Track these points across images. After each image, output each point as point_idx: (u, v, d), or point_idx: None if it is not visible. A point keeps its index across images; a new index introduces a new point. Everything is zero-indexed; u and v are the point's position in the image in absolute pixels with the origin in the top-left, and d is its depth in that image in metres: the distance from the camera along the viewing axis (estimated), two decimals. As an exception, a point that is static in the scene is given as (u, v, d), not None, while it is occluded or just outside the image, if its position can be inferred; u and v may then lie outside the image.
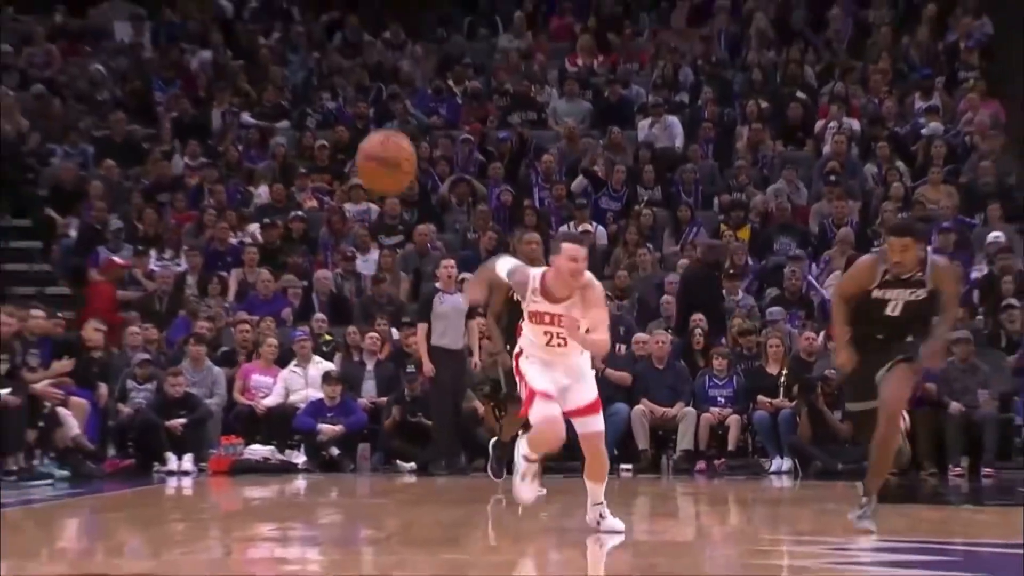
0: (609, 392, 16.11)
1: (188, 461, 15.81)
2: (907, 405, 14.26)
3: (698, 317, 17.21)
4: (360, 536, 10.80)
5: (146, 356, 16.78)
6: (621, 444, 16.17)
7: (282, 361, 16.85)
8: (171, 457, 15.84)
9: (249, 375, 16.78)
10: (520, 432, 9.87)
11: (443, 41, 23.86)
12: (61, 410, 15.23)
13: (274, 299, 18.19)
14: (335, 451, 16.21)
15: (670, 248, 19.14)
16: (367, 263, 18.82)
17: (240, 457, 15.96)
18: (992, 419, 15.71)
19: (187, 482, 15.32)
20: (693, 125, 21.15)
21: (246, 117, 21.99)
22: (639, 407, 16.18)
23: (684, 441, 16.19)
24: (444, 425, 15.87)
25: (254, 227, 19.54)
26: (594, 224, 19.07)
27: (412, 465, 15.93)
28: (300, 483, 15.27)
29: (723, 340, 17.00)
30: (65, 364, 15.50)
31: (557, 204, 19.68)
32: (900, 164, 19.73)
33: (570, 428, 9.36)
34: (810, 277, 18.07)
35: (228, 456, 15.94)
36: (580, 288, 9.00)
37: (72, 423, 15.30)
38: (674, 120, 21.17)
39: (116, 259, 18.91)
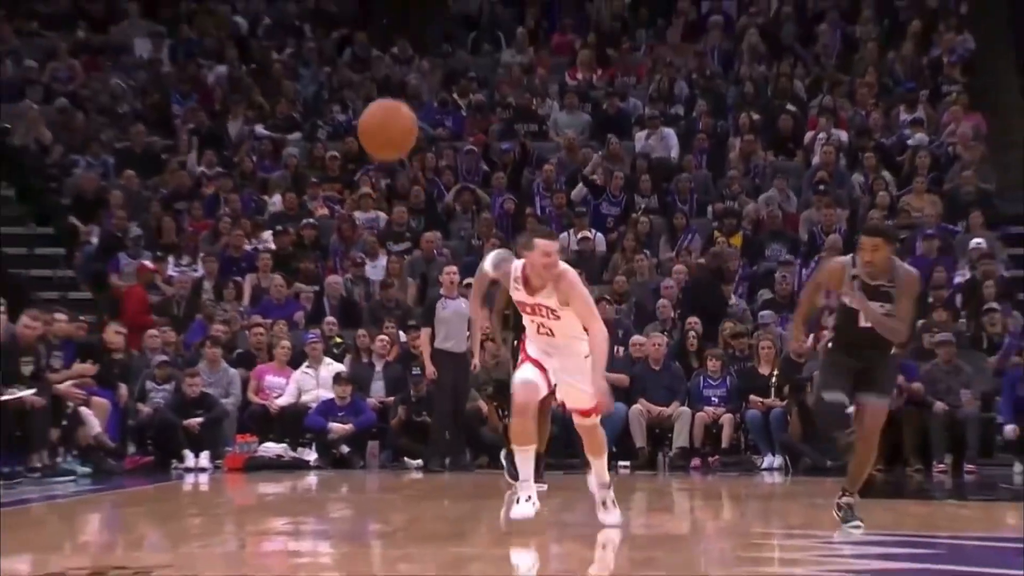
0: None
1: (205, 458, 15.82)
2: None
3: (693, 320, 17.26)
4: (369, 530, 10.80)
5: (165, 358, 16.79)
6: (619, 442, 16.17)
7: (295, 363, 16.86)
8: (188, 454, 15.85)
9: (263, 376, 16.78)
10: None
11: (448, 56, 23.86)
12: (83, 409, 15.23)
13: (287, 303, 18.19)
14: (345, 449, 16.21)
15: (666, 254, 19.13)
16: (376, 269, 18.83)
17: (254, 454, 15.96)
18: (974, 418, 15.73)
19: (204, 478, 15.32)
20: (688, 136, 21.14)
21: (260, 129, 21.99)
22: (636, 406, 16.19)
23: (680, 439, 16.20)
24: (443, 425, 15.88)
25: (268, 234, 19.54)
26: (593, 231, 19.07)
27: (419, 462, 15.93)
28: (312, 479, 15.27)
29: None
30: (87, 367, 15.51)
31: (558, 212, 19.67)
32: (886, 174, 19.72)
33: (572, 429, 9.46)
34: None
35: (243, 453, 15.94)
36: (554, 280, 8.94)
37: (94, 422, 15.29)
38: (670, 132, 21.17)
39: (147, 263, 18.93)
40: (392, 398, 16.61)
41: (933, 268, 17.77)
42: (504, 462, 11.81)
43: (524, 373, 9.18)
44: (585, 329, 9.03)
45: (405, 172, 20.72)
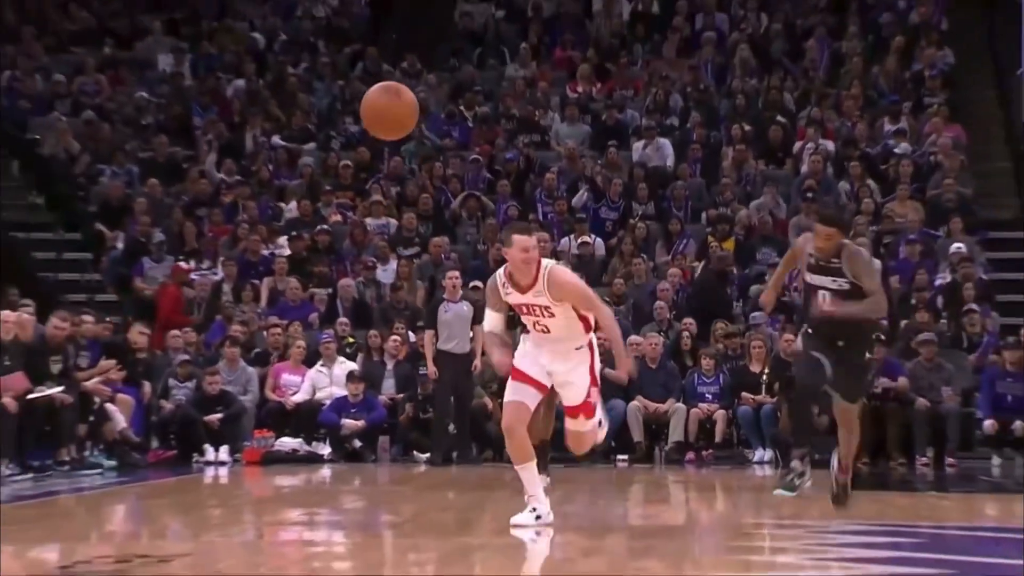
0: (607, 390, 16.10)
1: (224, 452, 15.83)
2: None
3: (688, 321, 17.30)
4: (380, 521, 10.80)
5: (186, 357, 16.80)
6: (617, 437, 16.19)
7: (309, 361, 16.86)
8: (209, 449, 15.86)
9: (279, 374, 16.79)
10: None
11: (455, 70, 23.86)
12: (109, 406, 15.26)
13: (302, 305, 18.20)
14: (357, 443, 16.21)
15: (662, 258, 19.14)
16: (386, 272, 18.83)
17: (271, 449, 15.97)
18: (955, 413, 15.73)
19: (223, 471, 15.33)
20: (683, 146, 21.14)
21: (276, 139, 22.00)
22: (634, 403, 16.20)
23: (675, 434, 16.20)
24: (445, 421, 15.92)
25: (283, 239, 19.55)
26: (593, 236, 19.07)
27: (427, 456, 15.93)
28: (325, 472, 15.27)
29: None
30: (110, 363, 15.52)
31: (559, 218, 19.67)
32: (871, 182, 19.71)
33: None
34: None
35: (260, 448, 15.95)
36: (545, 281, 8.68)
37: (119, 418, 15.32)
38: (665, 142, 21.17)
39: (182, 264, 18.94)
40: (402, 395, 16.62)
41: (916, 271, 17.80)
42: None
43: (509, 394, 8.94)
44: (583, 321, 8.84)
45: (414, 180, 20.74)
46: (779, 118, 21.29)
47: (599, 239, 19.25)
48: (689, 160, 20.86)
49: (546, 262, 8.81)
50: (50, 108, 22.81)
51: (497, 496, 11.56)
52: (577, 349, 8.91)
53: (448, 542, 8.72)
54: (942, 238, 18.75)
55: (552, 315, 8.75)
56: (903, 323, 16.93)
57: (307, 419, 16.36)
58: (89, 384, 15.06)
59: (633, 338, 16.78)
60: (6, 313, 14.63)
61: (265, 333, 17.52)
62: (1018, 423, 15.61)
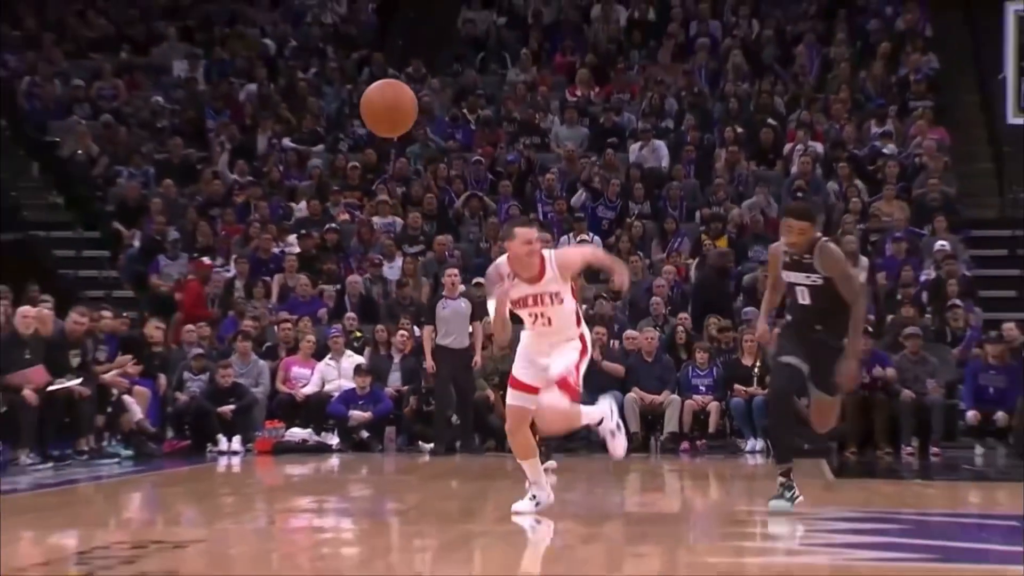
0: (604, 382, 16.16)
1: (236, 442, 15.84)
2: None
3: (683, 316, 17.31)
4: (386, 508, 10.80)
5: (200, 351, 16.81)
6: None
7: (319, 355, 16.87)
8: (222, 439, 15.86)
9: (289, 367, 16.79)
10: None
11: (458, 75, 23.84)
12: (126, 398, 15.28)
13: (311, 301, 18.20)
14: (364, 434, 16.21)
15: (658, 256, 19.12)
16: (392, 269, 18.82)
17: (282, 439, 15.97)
18: (939, 405, 15.72)
19: (236, 461, 15.34)
20: (677, 148, 21.13)
21: (287, 142, 21.99)
22: (631, 395, 16.19)
23: (670, 424, 16.20)
24: (444, 414, 15.92)
25: (293, 238, 19.54)
26: (591, 234, 19.06)
27: (431, 446, 15.93)
28: (334, 462, 15.28)
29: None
30: (126, 359, 15.53)
31: (559, 217, 19.66)
32: (858, 182, 19.70)
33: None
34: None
35: (271, 438, 15.95)
36: (553, 265, 8.59)
37: (136, 409, 15.34)
38: (661, 144, 21.16)
39: (205, 260, 18.94)
40: (407, 388, 16.62)
41: (901, 268, 17.80)
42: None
43: (510, 399, 8.93)
44: (576, 314, 8.79)
45: (419, 181, 20.74)
46: (770, 121, 21.28)
47: (597, 237, 19.23)
48: (684, 161, 20.85)
49: (547, 252, 8.72)
50: (69, 111, 22.82)
51: (499, 485, 11.56)
52: (569, 340, 8.78)
53: (451, 529, 8.72)
54: (927, 236, 18.74)
55: (561, 301, 8.63)
56: (889, 318, 16.93)
57: (316, 410, 16.37)
58: (107, 377, 15.08)
59: (630, 332, 16.81)
60: (26, 308, 14.65)
61: (276, 328, 17.52)
62: (1000, 414, 15.60)
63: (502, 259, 8.74)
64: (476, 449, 15.97)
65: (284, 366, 16.79)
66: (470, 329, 15.71)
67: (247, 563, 7.76)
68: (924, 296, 17.65)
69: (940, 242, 18.26)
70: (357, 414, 16.18)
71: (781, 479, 9.10)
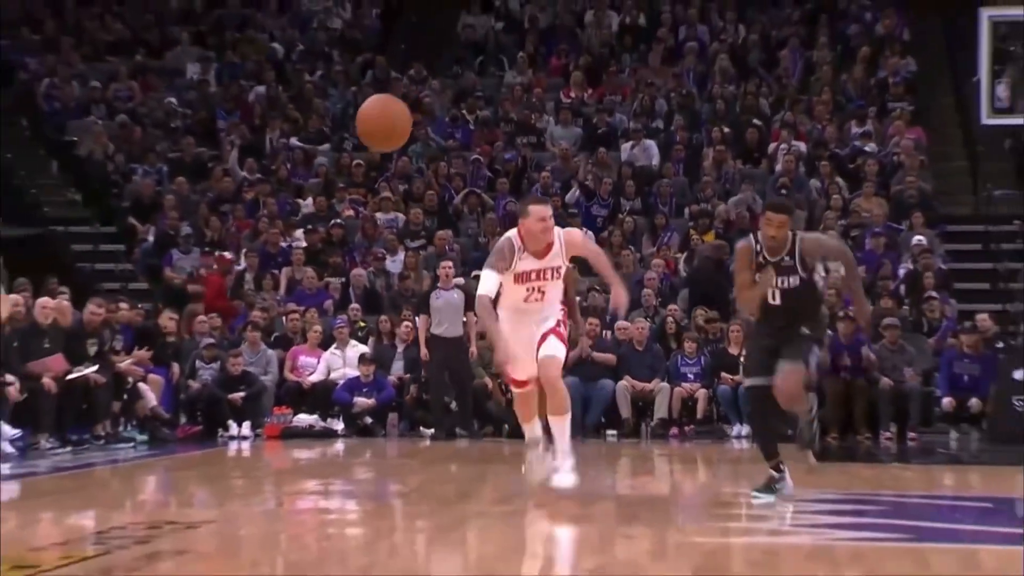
0: (597, 370, 16.19)
1: (246, 428, 15.82)
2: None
3: (672, 307, 17.30)
4: (389, 491, 10.81)
5: (211, 340, 16.80)
6: (607, 413, 16.22)
7: (325, 344, 16.86)
8: (232, 424, 15.84)
9: (297, 356, 16.78)
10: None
11: (458, 77, 23.83)
12: (141, 385, 15.27)
13: (318, 293, 18.19)
14: (368, 420, 16.20)
15: (648, 250, 19.12)
16: (395, 263, 18.82)
17: (289, 425, 15.96)
18: (916, 392, 15.74)
19: (246, 445, 15.34)
20: (667, 147, 21.12)
21: (294, 141, 21.98)
22: (622, 383, 16.19)
23: (660, 411, 16.19)
24: (439, 400, 15.88)
25: (300, 233, 19.54)
26: (585, 229, 19.03)
27: (432, 431, 15.92)
28: (339, 446, 15.29)
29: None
30: (143, 354, 15.55)
31: (553, 213, 19.60)
32: (839, 180, 19.70)
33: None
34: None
35: (280, 424, 15.94)
36: (562, 241, 8.67)
37: (150, 396, 15.34)
38: (651, 143, 21.15)
39: (226, 255, 18.92)
40: (409, 376, 16.62)
41: (880, 262, 17.81)
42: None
43: (519, 390, 8.95)
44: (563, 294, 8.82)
45: (420, 178, 20.73)
46: (755, 121, 21.27)
47: (591, 232, 19.22)
48: (673, 160, 20.84)
49: (557, 228, 8.81)
50: (87, 112, 22.79)
51: (496, 469, 11.58)
52: (551, 316, 8.78)
53: (451, 510, 8.73)
54: (904, 231, 18.75)
55: (558, 276, 8.65)
56: (869, 309, 16.93)
57: (322, 397, 16.36)
58: (123, 365, 15.08)
59: (621, 323, 16.79)
60: (45, 300, 14.64)
61: (284, 318, 17.52)
62: (973, 401, 15.62)
63: (512, 233, 8.70)
64: (475, 434, 15.97)
65: (292, 355, 16.78)
66: (464, 319, 15.69)
67: (256, 543, 7.77)
68: (902, 289, 17.67)
69: (917, 237, 18.27)
70: (361, 401, 16.18)
71: (773, 474, 8.94)
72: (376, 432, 16.19)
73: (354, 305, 17.75)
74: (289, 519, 9.03)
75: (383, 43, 25.09)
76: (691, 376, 16.36)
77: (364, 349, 16.74)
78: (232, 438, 15.68)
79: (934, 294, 17.07)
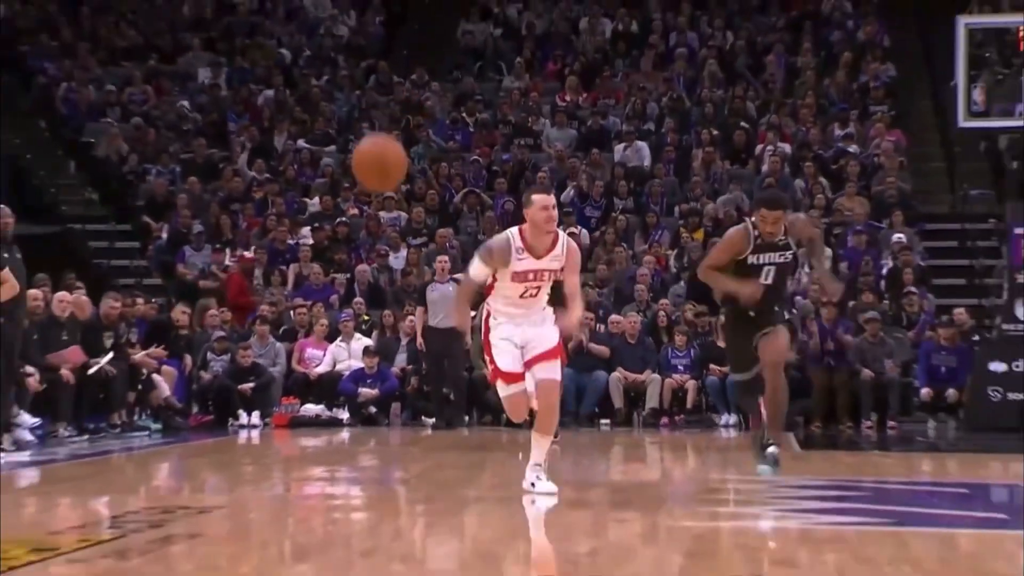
0: (591, 362, 16.19)
1: (256, 417, 15.84)
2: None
3: (663, 302, 17.29)
4: (393, 477, 10.81)
5: (222, 333, 16.80)
6: (601, 404, 16.24)
7: (331, 337, 16.86)
8: (242, 414, 15.86)
9: (304, 348, 16.79)
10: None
11: (458, 82, 23.81)
12: (155, 376, 15.28)
13: (324, 288, 18.19)
14: (372, 409, 16.22)
15: (640, 247, 19.12)
16: (398, 259, 18.81)
17: (297, 414, 15.98)
18: (896, 383, 15.75)
19: (255, 434, 15.35)
20: (658, 149, 21.12)
21: (301, 143, 21.97)
22: (615, 374, 16.21)
23: (651, 401, 16.21)
24: (437, 388, 15.88)
25: (307, 230, 19.54)
26: (579, 227, 19.03)
27: (433, 421, 15.92)
28: (345, 435, 15.29)
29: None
30: (160, 352, 15.56)
31: (551, 211, 19.60)
32: (823, 180, 19.70)
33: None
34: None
35: (287, 413, 15.96)
36: (566, 249, 8.13)
37: (164, 386, 15.34)
38: (643, 144, 21.15)
39: (247, 254, 18.88)
40: (411, 367, 16.62)
41: (862, 258, 17.82)
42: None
43: (504, 391, 8.29)
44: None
45: (422, 179, 20.73)
46: (742, 124, 21.27)
47: (585, 230, 19.23)
48: (664, 161, 20.84)
49: (562, 234, 8.32)
50: (103, 115, 22.78)
51: (495, 456, 11.58)
52: (543, 310, 8.35)
53: (451, 496, 8.73)
54: (885, 229, 18.75)
55: (553, 277, 8.23)
56: (851, 303, 16.94)
57: (328, 388, 16.37)
58: (137, 357, 15.09)
59: (614, 317, 16.81)
60: (63, 294, 14.66)
61: (292, 312, 17.52)
62: (950, 391, 15.64)
63: (514, 231, 8.21)
64: (467, 423, 15.94)
65: (299, 347, 16.79)
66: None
67: (265, 527, 7.78)
68: (882, 284, 17.68)
69: (897, 235, 18.28)
70: (365, 391, 16.19)
71: (772, 450, 8.90)
72: (380, 421, 16.20)
73: (358, 300, 17.76)
74: (297, 504, 9.04)
75: (387, 49, 25.09)
76: (681, 368, 16.37)
77: (368, 342, 16.74)
78: (242, 427, 15.69)
79: (913, 289, 17.07)
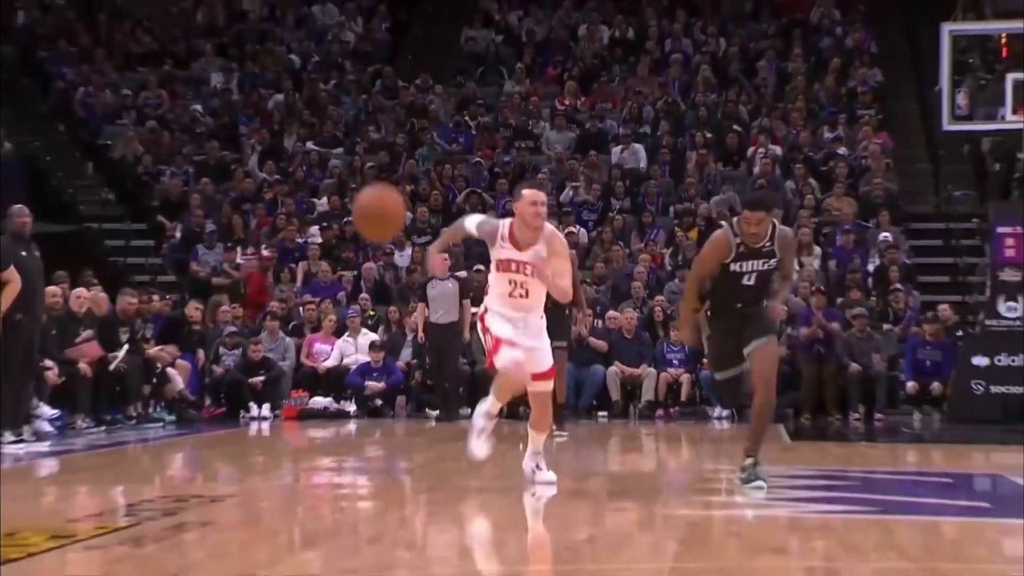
0: (589, 356, 16.18)
1: (266, 409, 15.82)
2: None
3: (659, 299, 17.28)
4: (398, 467, 10.82)
5: (234, 329, 16.79)
6: (598, 396, 16.23)
7: (338, 332, 16.86)
8: (253, 406, 15.84)
9: (313, 343, 16.79)
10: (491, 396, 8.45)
11: (461, 86, 23.80)
12: (169, 370, 15.28)
13: (331, 285, 18.19)
14: (378, 402, 16.21)
15: (636, 246, 19.11)
16: (403, 257, 18.81)
17: (306, 406, 15.98)
18: (882, 376, 15.76)
19: (265, 426, 15.35)
20: (654, 151, 21.10)
21: (310, 145, 21.96)
22: (612, 368, 16.21)
23: (647, 394, 16.21)
24: (438, 380, 15.79)
25: (315, 229, 19.53)
26: (578, 227, 19.03)
27: (437, 413, 15.91)
28: (352, 427, 15.30)
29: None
30: (173, 350, 15.58)
31: (549, 212, 19.57)
32: (812, 181, 19.69)
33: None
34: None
35: (296, 406, 15.95)
36: (547, 238, 7.96)
37: (178, 380, 15.34)
38: (639, 147, 21.14)
39: (266, 252, 18.87)
40: (416, 361, 16.61)
41: (850, 257, 17.81)
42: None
43: (513, 354, 7.89)
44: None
45: (427, 180, 20.72)
46: (735, 127, 21.25)
47: (583, 229, 19.23)
48: (659, 162, 20.83)
49: (549, 226, 8.19)
50: (119, 118, 22.78)
51: (497, 448, 11.57)
52: (540, 318, 8.17)
53: (454, 485, 8.74)
54: (872, 228, 18.74)
55: (536, 276, 7.97)
56: (839, 300, 16.94)
57: (336, 381, 16.37)
58: (152, 351, 15.10)
59: (611, 313, 16.81)
60: (80, 290, 14.68)
61: (300, 309, 17.51)
62: (935, 384, 15.65)
63: (506, 220, 8.14)
64: (467, 416, 15.87)
65: (308, 342, 16.79)
66: (461, 307, 15.59)
67: (275, 515, 7.78)
68: (870, 281, 17.67)
69: (884, 234, 18.27)
70: (372, 384, 16.19)
71: (757, 469, 8.31)
72: (385, 413, 16.20)
73: (365, 296, 17.75)
74: (305, 493, 9.04)
75: (392, 55, 25.07)
76: (676, 362, 16.37)
77: (374, 337, 16.74)
78: (253, 419, 15.68)
79: (899, 286, 17.08)
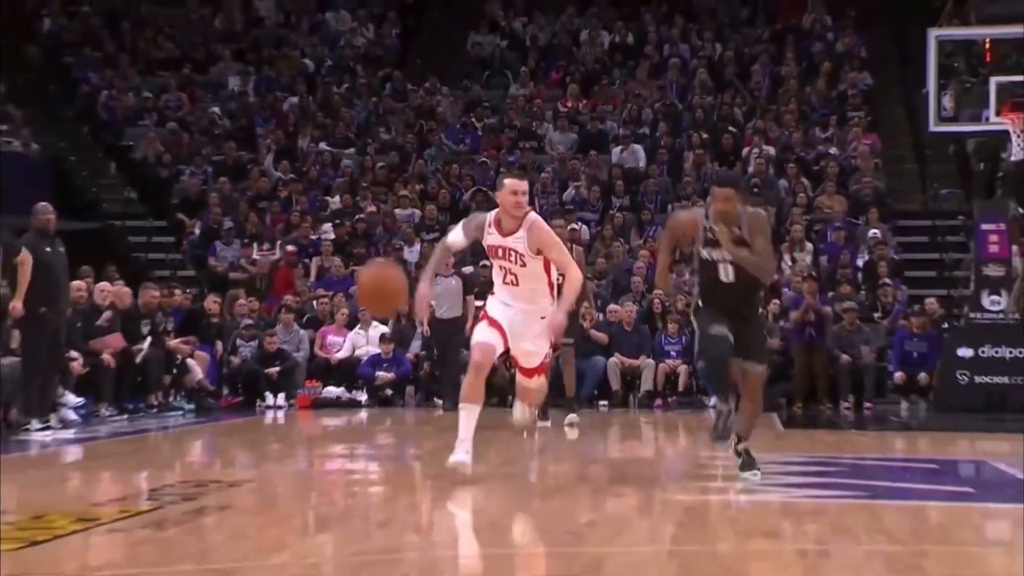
0: (591, 348, 16.16)
1: (281, 399, 15.82)
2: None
3: (658, 292, 17.23)
4: (407, 454, 10.82)
5: (250, 321, 16.80)
6: (599, 387, 16.22)
7: (350, 325, 16.85)
8: (269, 396, 15.85)
9: (326, 335, 16.78)
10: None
11: (468, 89, 23.78)
12: (189, 360, 15.29)
13: (344, 279, 18.18)
14: (389, 392, 16.21)
15: (636, 242, 19.11)
16: (412, 253, 18.79)
17: (319, 396, 15.97)
18: (871, 367, 15.74)
19: (280, 414, 15.36)
20: (652, 151, 21.09)
21: (323, 145, 21.97)
22: (613, 359, 16.19)
23: (646, 384, 16.19)
24: (442, 372, 15.75)
25: (328, 226, 19.53)
26: (580, 224, 19.01)
27: (443, 402, 15.90)
28: (363, 415, 15.30)
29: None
30: (193, 340, 15.59)
31: (552, 209, 19.60)
32: (804, 180, 19.67)
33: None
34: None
35: (310, 395, 15.95)
36: (527, 227, 7.67)
37: (197, 370, 15.35)
38: (638, 147, 21.12)
39: (291, 248, 18.84)
40: (424, 353, 16.61)
41: (840, 252, 17.79)
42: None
43: (480, 335, 7.84)
44: (551, 285, 7.91)
45: (435, 179, 20.72)
46: (730, 128, 21.22)
47: (585, 227, 19.21)
48: (657, 162, 20.82)
49: (533, 215, 7.84)
50: (140, 120, 22.80)
51: (501, 435, 11.57)
52: (542, 318, 7.87)
53: (461, 471, 8.72)
54: (861, 225, 18.72)
55: (523, 265, 7.74)
56: (830, 294, 16.93)
57: (348, 372, 16.36)
58: (173, 343, 15.12)
59: (612, 306, 16.79)
60: (103, 284, 14.71)
61: (314, 302, 17.51)
62: (922, 375, 15.62)
63: (493, 212, 7.92)
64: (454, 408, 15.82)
65: (321, 334, 16.79)
66: (464, 301, 15.56)
67: (290, 499, 7.79)
68: (859, 276, 17.66)
69: (873, 231, 18.25)
70: (382, 375, 16.18)
71: (720, 407, 8.14)
72: (395, 403, 16.19)
73: (376, 290, 17.70)
74: (319, 478, 9.05)
75: (402, 59, 25.06)
76: (673, 353, 16.35)
77: (385, 329, 16.73)
78: (269, 408, 15.69)
79: (887, 281, 17.07)
